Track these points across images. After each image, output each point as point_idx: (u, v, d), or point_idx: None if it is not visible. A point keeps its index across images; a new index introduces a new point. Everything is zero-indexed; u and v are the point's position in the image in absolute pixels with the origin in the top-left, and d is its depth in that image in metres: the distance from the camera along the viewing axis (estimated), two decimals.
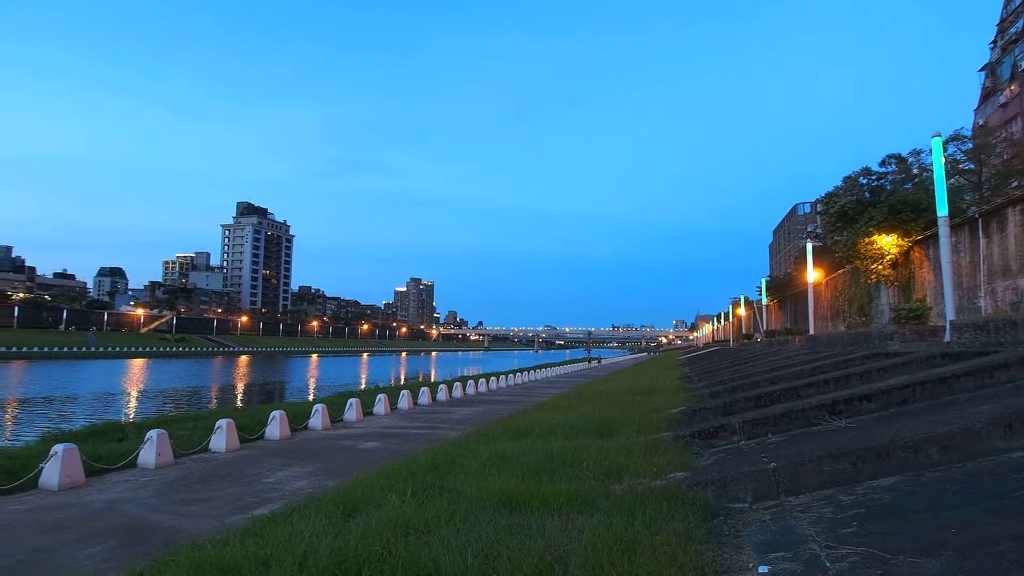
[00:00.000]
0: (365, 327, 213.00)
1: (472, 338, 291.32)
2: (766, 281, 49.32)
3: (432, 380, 40.68)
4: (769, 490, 4.75)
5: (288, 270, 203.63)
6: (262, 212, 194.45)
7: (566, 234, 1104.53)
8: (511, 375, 33.83)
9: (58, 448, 8.12)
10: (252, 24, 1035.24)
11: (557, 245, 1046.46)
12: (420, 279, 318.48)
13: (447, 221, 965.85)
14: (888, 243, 21.40)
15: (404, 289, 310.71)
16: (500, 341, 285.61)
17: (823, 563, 3.23)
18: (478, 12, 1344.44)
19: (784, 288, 45.90)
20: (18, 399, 35.26)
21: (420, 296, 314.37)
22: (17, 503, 7.23)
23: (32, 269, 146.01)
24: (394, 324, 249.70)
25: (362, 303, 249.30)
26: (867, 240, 21.88)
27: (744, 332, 58.33)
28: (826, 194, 26.76)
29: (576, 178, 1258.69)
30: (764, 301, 48.03)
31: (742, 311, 60.84)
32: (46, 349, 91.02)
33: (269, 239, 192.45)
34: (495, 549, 3.62)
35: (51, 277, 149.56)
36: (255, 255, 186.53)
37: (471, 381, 25.45)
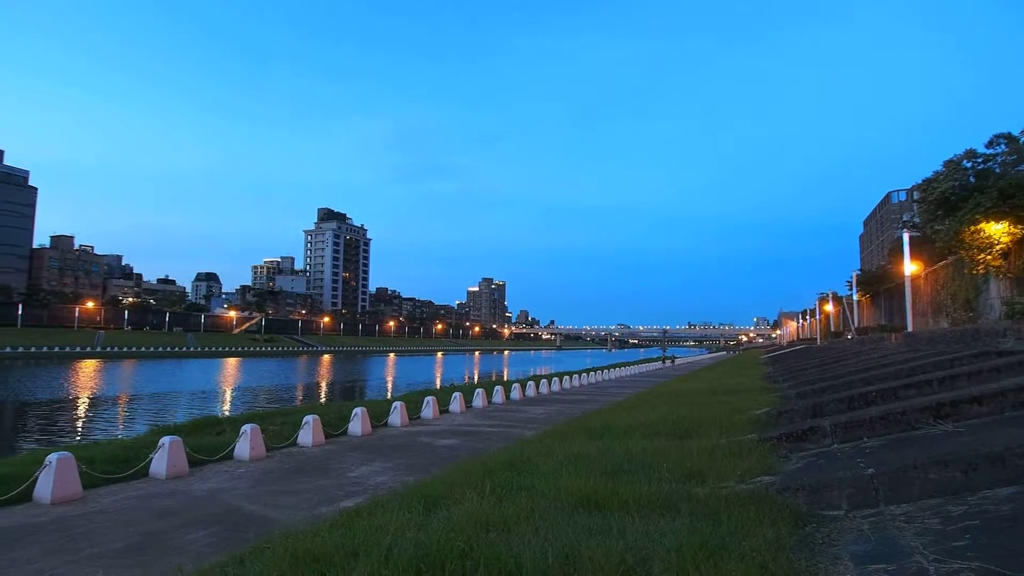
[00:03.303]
0: (439, 327, 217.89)
1: (544, 337, 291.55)
2: (857, 275, 46.34)
3: (505, 379, 41.04)
4: (867, 498, 4.45)
5: (366, 272, 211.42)
6: (341, 217, 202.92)
7: (640, 230, 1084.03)
8: (584, 374, 33.57)
9: (165, 440, 8.80)
10: (327, 38, 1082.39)
11: (631, 241, 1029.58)
12: (492, 279, 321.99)
13: (518, 221, 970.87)
14: (998, 231, 19.57)
15: (476, 289, 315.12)
16: (572, 340, 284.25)
17: None
18: (546, 14, 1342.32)
19: (877, 282, 42.89)
20: (129, 395, 38.57)
21: (492, 296, 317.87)
22: (131, 490, 7.89)
23: (139, 276, 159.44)
24: (467, 324, 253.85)
25: (436, 303, 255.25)
26: (973, 228, 20.10)
27: (832, 329, 55.08)
28: (924, 180, 24.77)
29: (651, 172, 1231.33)
30: (855, 296, 45.17)
31: (830, 307, 57.46)
32: (152, 349, 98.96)
33: (348, 243, 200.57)
34: (575, 549, 3.59)
35: (155, 283, 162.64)
36: (335, 259, 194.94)
37: (544, 380, 25.45)
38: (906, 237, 27.88)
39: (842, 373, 15.21)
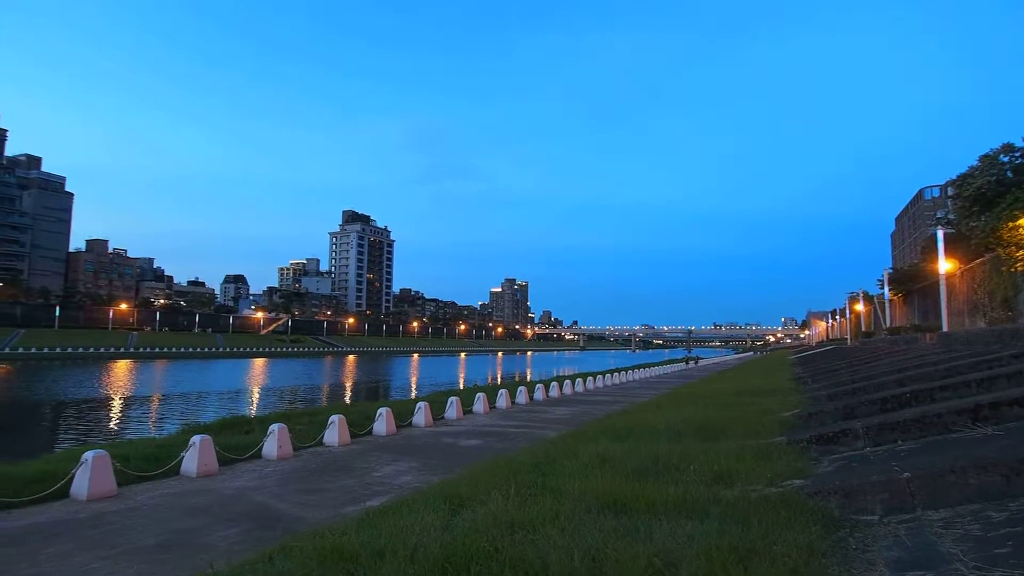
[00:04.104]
0: (462, 327, 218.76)
1: (567, 337, 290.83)
2: (888, 273, 45.25)
3: (528, 379, 41.02)
4: (903, 502, 4.33)
5: (390, 273, 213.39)
6: (365, 219, 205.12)
7: (665, 229, 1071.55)
8: (607, 375, 33.38)
9: (195, 439, 8.97)
10: (345, 39, 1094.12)
11: (654, 241, 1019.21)
12: (514, 279, 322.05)
13: (540, 221, 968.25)
14: None
15: (499, 290, 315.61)
16: (595, 341, 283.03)
17: None
18: (564, 12, 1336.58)
19: (910, 280, 41.74)
20: (161, 395, 39.48)
21: (515, 296, 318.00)
22: (163, 487, 8.06)
23: (170, 278, 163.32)
24: (490, 324, 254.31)
25: (459, 304, 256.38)
26: (1011, 225, 19.49)
27: (863, 329, 53.90)
28: (959, 175, 24.11)
29: (675, 169, 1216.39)
30: (887, 295, 44.11)
31: (860, 307, 56.22)
32: (182, 350, 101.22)
33: (372, 244, 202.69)
34: (602, 551, 3.56)
35: (185, 285, 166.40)
36: (359, 260, 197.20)
37: (567, 381, 25.37)
38: (940, 234, 27.13)
39: (874, 374, 14.86)
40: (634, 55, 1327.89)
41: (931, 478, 4.37)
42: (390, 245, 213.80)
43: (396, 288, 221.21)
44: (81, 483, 7.43)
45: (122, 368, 66.12)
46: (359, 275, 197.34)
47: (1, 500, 6.92)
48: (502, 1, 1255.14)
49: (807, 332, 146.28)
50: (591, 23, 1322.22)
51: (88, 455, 7.58)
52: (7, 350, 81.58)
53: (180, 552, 5.46)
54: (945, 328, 25.92)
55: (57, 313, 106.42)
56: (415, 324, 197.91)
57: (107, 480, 7.61)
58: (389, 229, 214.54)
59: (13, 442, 21.45)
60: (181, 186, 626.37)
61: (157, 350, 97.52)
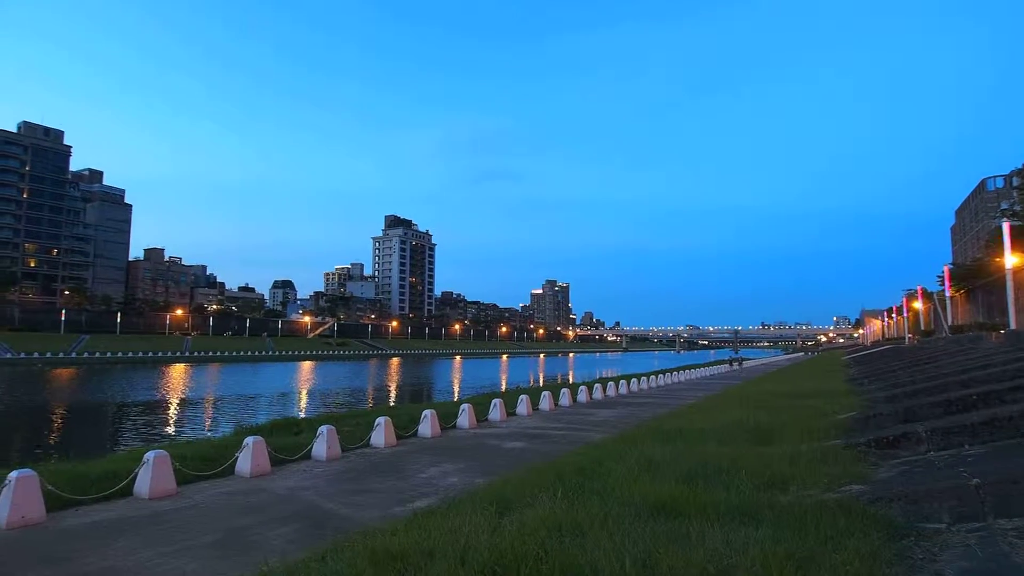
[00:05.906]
0: (504, 329, 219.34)
1: (609, 339, 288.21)
2: (949, 269, 43.14)
3: (571, 381, 40.78)
4: (972, 510, 4.11)
5: (432, 277, 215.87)
6: (407, 224, 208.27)
7: (710, 229, 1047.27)
8: (652, 377, 32.86)
9: (248, 440, 9.24)
10: (390, 47, 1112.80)
11: (700, 240, 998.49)
12: (555, 281, 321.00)
13: (581, 223, 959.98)
14: None
15: (540, 291, 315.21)
16: (639, 342, 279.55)
17: None
18: (606, 6, 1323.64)
19: (972, 276, 39.66)
20: (215, 397, 40.94)
21: (556, 298, 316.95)
22: (219, 487, 8.34)
23: (222, 284, 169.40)
24: (531, 326, 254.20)
25: (500, 306, 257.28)
26: None
27: (923, 328, 51.54)
28: None
29: (718, 169, 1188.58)
30: (947, 292, 42.05)
31: (919, 304, 53.79)
32: (234, 353, 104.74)
33: (414, 249, 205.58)
34: (653, 556, 3.50)
35: (236, 291, 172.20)
36: (402, 264, 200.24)
37: (611, 383, 25.08)
38: (1006, 227, 25.72)
39: (936, 375, 14.19)
40: (682, 53, 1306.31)
41: (1003, 485, 4.14)
42: (431, 249, 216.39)
43: (438, 291, 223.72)
44: (143, 482, 7.75)
45: (178, 371, 68.88)
46: (402, 279, 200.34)
47: (71, 497, 7.29)
48: (546, 3, 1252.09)
49: (861, 331, 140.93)
50: (638, 20, 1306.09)
51: (149, 455, 7.91)
52: (74, 355, 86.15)
53: (236, 549, 5.64)
54: (1013, 326, 24.53)
55: (118, 319, 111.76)
56: (457, 326, 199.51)
57: (167, 479, 7.92)
58: (431, 233, 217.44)
59: (81, 441, 22.63)
60: (233, 196, 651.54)
61: (210, 354, 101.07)
